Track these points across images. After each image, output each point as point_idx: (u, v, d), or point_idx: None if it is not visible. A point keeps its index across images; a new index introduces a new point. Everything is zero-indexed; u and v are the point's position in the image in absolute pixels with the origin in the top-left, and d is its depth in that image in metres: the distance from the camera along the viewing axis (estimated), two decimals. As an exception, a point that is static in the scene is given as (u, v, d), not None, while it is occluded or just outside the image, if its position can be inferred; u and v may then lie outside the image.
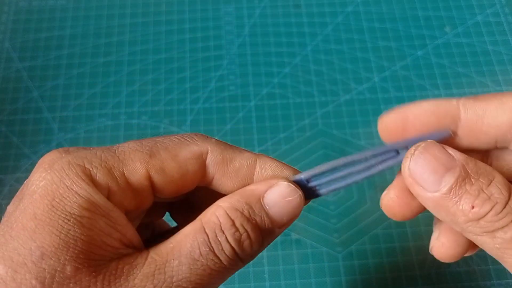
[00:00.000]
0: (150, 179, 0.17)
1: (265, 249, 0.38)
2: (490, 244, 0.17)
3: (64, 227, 0.15)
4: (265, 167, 0.19)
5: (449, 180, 0.17)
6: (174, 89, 0.44)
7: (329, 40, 0.47)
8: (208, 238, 0.16)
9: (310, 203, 0.40)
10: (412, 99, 0.44)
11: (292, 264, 0.37)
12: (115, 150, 0.17)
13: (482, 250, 0.39)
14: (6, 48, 0.47)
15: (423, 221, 0.38)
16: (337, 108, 0.43)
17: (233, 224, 0.17)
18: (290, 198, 0.18)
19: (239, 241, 0.17)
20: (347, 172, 0.20)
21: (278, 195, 0.18)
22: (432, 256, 0.38)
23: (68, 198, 0.15)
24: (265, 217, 0.17)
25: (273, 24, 0.48)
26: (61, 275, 0.14)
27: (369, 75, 0.45)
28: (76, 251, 0.14)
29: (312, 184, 0.19)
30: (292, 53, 0.46)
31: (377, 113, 0.43)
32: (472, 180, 0.17)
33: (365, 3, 0.49)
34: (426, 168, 0.17)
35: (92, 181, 0.16)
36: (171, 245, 0.16)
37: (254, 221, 0.17)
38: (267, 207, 0.17)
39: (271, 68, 0.45)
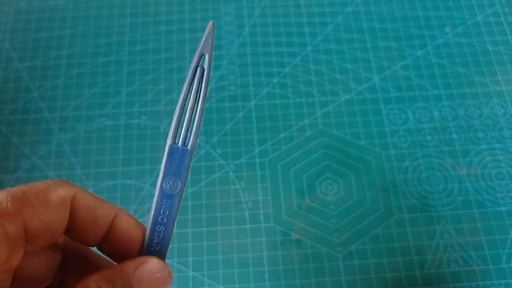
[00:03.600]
0: (24, 227, 0.17)
1: (265, 249, 0.38)
2: None
3: None
4: (123, 220, 0.19)
5: None
6: (174, 89, 0.44)
7: (329, 40, 0.47)
8: None
9: (310, 203, 0.40)
10: (412, 99, 0.44)
11: (292, 264, 0.37)
12: None
13: (481, 250, 0.40)
14: (6, 48, 0.47)
15: (423, 221, 0.38)
16: (337, 108, 0.43)
17: None
18: (158, 275, 0.19)
19: None
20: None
21: (148, 272, 0.18)
22: (432, 256, 0.38)
23: None
24: None
25: (273, 24, 0.48)
26: None
27: (369, 75, 0.45)
28: None
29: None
30: (292, 53, 0.46)
31: (377, 113, 0.43)
32: None
33: (365, 3, 0.49)
34: None
35: None
36: None
37: None
38: (136, 282, 0.18)
39: (271, 68, 0.45)
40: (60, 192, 0.18)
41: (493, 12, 0.49)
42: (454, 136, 0.42)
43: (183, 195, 0.20)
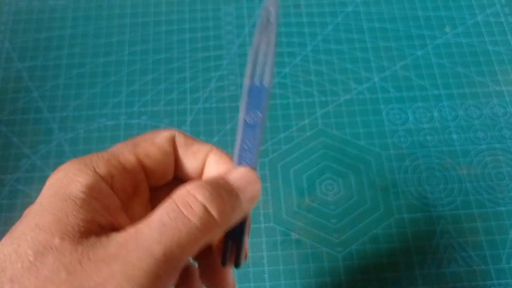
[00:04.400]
0: (140, 163, 0.20)
1: (265, 249, 0.38)
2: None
3: (59, 207, 0.17)
4: (216, 154, 0.22)
5: None
6: (174, 89, 0.44)
7: (329, 40, 0.47)
8: (177, 205, 0.17)
9: (310, 203, 0.40)
10: (412, 99, 0.44)
11: (292, 264, 0.37)
12: (107, 150, 0.20)
13: (481, 250, 0.40)
14: (6, 48, 0.47)
15: (423, 221, 0.38)
16: (337, 108, 0.43)
17: (202, 186, 0.18)
18: (250, 173, 0.20)
19: (208, 198, 0.18)
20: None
21: (239, 172, 0.20)
22: (432, 256, 0.38)
23: (70, 186, 0.17)
24: (230, 186, 0.19)
25: (273, 24, 0.48)
26: (50, 244, 0.16)
27: (369, 75, 0.45)
28: (65, 225, 0.16)
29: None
30: (292, 53, 0.46)
31: (377, 113, 0.43)
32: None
33: (365, 3, 0.49)
34: None
35: (93, 171, 0.18)
36: (145, 219, 0.17)
37: (220, 188, 0.19)
38: (236, 187, 0.20)
39: (271, 68, 0.45)
40: (162, 133, 0.21)
41: (493, 12, 0.49)
42: (454, 136, 0.42)
43: (264, 126, 0.22)
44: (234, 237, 0.21)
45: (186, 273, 0.22)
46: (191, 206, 0.17)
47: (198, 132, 0.42)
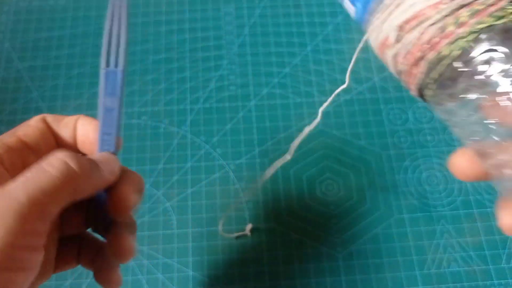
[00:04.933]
0: (22, 142, 0.24)
1: (265, 249, 0.38)
2: None
3: None
4: (84, 119, 0.25)
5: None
6: (174, 89, 0.44)
7: (329, 40, 0.47)
8: (40, 164, 0.20)
9: (310, 203, 0.40)
10: (412, 99, 0.44)
11: (292, 264, 0.37)
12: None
13: (481, 250, 0.39)
14: (6, 48, 0.47)
15: (423, 221, 0.38)
16: (337, 108, 0.43)
17: (65, 150, 0.21)
18: (108, 155, 0.24)
19: (69, 156, 0.21)
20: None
21: (100, 155, 0.24)
22: (432, 256, 0.38)
23: None
24: (91, 158, 0.23)
25: (273, 24, 0.48)
26: None
27: (369, 75, 0.45)
28: None
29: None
30: (292, 53, 0.46)
31: (377, 113, 0.43)
32: None
33: (365, 3, 0.49)
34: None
35: None
36: None
37: (82, 157, 0.22)
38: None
39: (271, 68, 0.45)
40: (34, 118, 0.25)
41: (493, 12, 0.49)
42: (454, 136, 0.42)
43: (122, 113, 0.24)
44: (98, 204, 0.24)
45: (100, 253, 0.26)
46: (52, 162, 0.20)
47: (198, 132, 0.42)
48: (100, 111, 0.24)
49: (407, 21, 0.22)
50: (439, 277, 0.37)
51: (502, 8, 0.19)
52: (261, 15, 0.48)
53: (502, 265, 0.37)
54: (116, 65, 0.23)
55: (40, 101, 0.44)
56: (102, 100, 0.24)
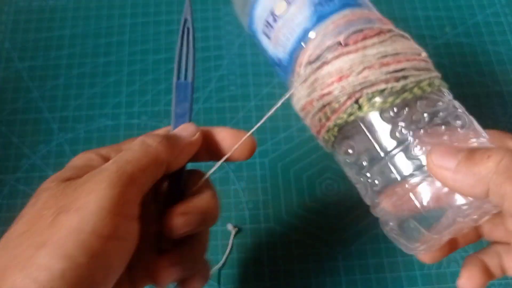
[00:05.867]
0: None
1: (265, 249, 0.38)
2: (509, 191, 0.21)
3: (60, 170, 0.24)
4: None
5: (463, 153, 0.22)
6: (174, 89, 0.44)
7: (329, 40, 0.47)
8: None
9: (310, 203, 0.39)
10: (412, 99, 0.43)
11: (292, 264, 0.37)
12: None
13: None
14: (6, 48, 0.47)
15: (423, 221, 0.38)
16: (337, 108, 0.43)
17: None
18: (186, 125, 0.26)
19: (146, 135, 0.24)
20: None
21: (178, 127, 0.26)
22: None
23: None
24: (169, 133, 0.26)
25: (273, 24, 0.48)
26: (45, 186, 0.22)
27: (369, 75, 0.45)
28: (58, 176, 0.23)
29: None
30: (292, 53, 0.46)
31: (377, 113, 0.43)
32: (479, 150, 0.22)
33: (365, 3, 0.49)
34: (443, 153, 0.23)
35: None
36: None
37: (158, 134, 0.25)
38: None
39: (271, 68, 0.45)
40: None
41: (493, 12, 0.49)
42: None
43: (192, 115, 0.27)
44: (176, 178, 0.26)
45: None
46: (134, 143, 0.23)
47: (198, 132, 0.42)
48: (173, 117, 0.26)
49: (302, 108, 0.30)
50: (439, 277, 0.37)
51: (352, 106, 0.26)
52: (261, 15, 0.48)
53: (502, 265, 0.37)
54: (185, 78, 0.27)
55: (40, 101, 0.44)
56: (174, 108, 0.26)
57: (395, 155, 0.25)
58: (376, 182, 0.26)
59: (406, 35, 0.29)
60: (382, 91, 0.26)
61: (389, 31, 0.28)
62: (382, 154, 0.26)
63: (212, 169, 0.26)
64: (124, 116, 0.43)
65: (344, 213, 0.39)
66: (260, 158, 0.41)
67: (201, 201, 0.25)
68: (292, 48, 0.30)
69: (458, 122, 0.26)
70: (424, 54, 0.29)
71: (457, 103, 0.28)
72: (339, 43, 0.28)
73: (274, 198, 0.40)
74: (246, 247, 0.38)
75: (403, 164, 0.25)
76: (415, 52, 0.28)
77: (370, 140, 0.26)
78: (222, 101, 0.44)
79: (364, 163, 0.27)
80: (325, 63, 0.28)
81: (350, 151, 0.28)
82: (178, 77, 0.27)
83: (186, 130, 0.26)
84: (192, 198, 0.25)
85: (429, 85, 0.27)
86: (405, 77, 0.26)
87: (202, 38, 0.47)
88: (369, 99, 0.26)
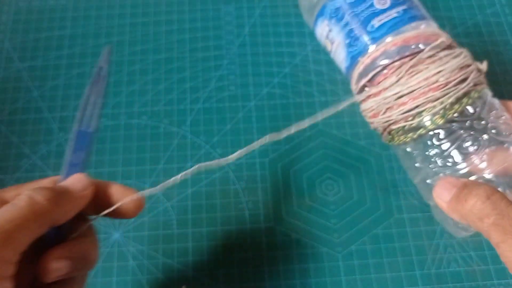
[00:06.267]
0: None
1: (265, 249, 0.38)
2: (481, 228, 0.25)
3: None
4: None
5: (455, 189, 0.28)
6: (174, 89, 0.44)
7: (329, 40, 0.47)
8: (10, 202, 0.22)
9: (310, 203, 0.39)
10: (412, 99, 0.43)
11: (292, 264, 0.37)
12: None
13: (481, 250, 0.40)
14: (6, 48, 0.47)
15: (423, 221, 0.38)
16: (337, 108, 0.43)
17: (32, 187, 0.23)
18: (79, 176, 0.26)
19: (35, 190, 0.23)
20: None
21: (70, 178, 0.26)
22: (432, 256, 0.38)
23: None
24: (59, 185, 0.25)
25: (273, 24, 0.48)
26: None
27: (369, 75, 0.45)
28: None
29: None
30: (292, 53, 0.46)
31: (377, 113, 0.43)
32: (465, 189, 0.27)
33: (365, 3, 0.49)
34: (442, 187, 0.29)
35: None
36: None
37: (47, 187, 0.24)
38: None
39: (271, 68, 0.45)
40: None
41: (493, 12, 0.49)
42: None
43: (86, 166, 0.26)
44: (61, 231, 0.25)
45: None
46: (20, 197, 0.22)
47: (198, 132, 0.42)
48: (65, 165, 0.26)
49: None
50: (439, 277, 0.37)
51: (386, 136, 0.35)
52: (261, 15, 0.48)
53: (502, 265, 0.37)
54: (87, 127, 0.26)
55: (40, 101, 0.44)
56: (68, 156, 0.26)
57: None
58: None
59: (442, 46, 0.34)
60: (403, 127, 0.31)
61: (411, 58, 0.31)
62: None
63: (94, 218, 0.26)
64: (124, 116, 0.43)
65: (344, 213, 0.39)
66: (260, 158, 0.41)
67: (79, 246, 0.24)
68: (346, 71, 0.37)
69: (469, 144, 0.30)
70: (443, 76, 0.31)
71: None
72: (365, 86, 0.33)
73: (274, 198, 0.40)
74: (246, 247, 0.38)
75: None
76: (432, 81, 0.30)
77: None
78: (222, 101, 0.44)
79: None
80: (363, 100, 0.34)
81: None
82: (80, 125, 0.26)
83: (78, 183, 0.25)
84: (70, 243, 0.24)
85: (442, 116, 0.30)
86: (420, 113, 0.31)
87: (202, 38, 0.47)
88: (397, 132, 0.32)
